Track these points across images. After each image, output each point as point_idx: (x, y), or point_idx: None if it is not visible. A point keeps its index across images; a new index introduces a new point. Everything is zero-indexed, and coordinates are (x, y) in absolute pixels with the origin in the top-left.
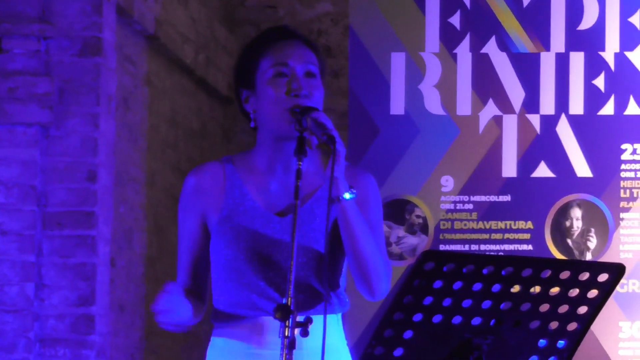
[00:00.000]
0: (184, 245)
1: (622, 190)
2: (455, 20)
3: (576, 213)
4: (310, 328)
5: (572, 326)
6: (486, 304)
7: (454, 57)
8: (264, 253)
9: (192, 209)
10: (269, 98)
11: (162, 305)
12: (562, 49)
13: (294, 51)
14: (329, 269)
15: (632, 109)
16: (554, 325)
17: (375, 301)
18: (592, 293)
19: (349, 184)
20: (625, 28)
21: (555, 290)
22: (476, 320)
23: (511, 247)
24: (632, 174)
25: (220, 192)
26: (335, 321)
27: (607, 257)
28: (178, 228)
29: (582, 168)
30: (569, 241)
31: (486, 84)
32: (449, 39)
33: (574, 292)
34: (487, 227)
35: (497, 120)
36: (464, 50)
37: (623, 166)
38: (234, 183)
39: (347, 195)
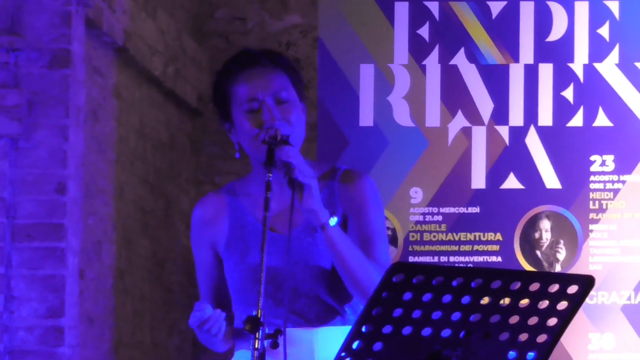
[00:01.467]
0: (202, 275)
1: (591, 202)
2: (424, 32)
3: (545, 224)
4: (322, 341)
5: (541, 338)
6: (456, 315)
7: (423, 68)
8: (270, 270)
9: (202, 240)
10: (245, 132)
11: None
12: (530, 61)
13: (262, 81)
14: (337, 283)
15: (601, 120)
16: (523, 337)
17: None
18: (562, 305)
19: (331, 210)
20: (594, 40)
21: (524, 302)
22: (446, 332)
23: (480, 258)
24: (601, 186)
25: (223, 219)
26: None
27: (577, 269)
28: (194, 260)
29: (551, 179)
30: (538, 253)
31: (455, 96)
32: (418, 50)
33: (544, 303)
34: (456, 238)
35: (466, 132)
36: (432, 62)
37: (592, 177)
38: (235, 209)
39: (332, 222)
